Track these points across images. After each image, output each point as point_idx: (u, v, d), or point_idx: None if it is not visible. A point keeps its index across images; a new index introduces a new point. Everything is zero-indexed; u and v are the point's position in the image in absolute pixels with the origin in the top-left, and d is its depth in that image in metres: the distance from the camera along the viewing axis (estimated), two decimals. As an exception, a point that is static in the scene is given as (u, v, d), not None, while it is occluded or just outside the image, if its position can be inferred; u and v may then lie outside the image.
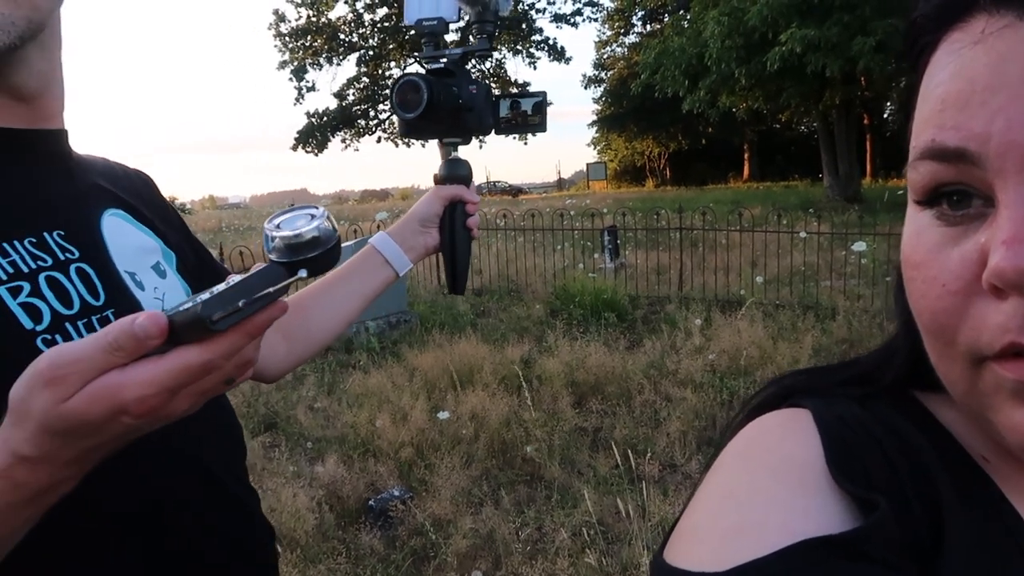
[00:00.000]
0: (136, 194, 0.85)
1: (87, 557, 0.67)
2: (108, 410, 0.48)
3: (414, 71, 1.00)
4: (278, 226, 0.61)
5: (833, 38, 13.69)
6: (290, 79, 34.65)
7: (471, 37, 1.06)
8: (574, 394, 4.47)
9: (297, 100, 35.15)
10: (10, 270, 0.62)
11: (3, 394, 0.54)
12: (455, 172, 1.08)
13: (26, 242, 0.65)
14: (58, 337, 0.63)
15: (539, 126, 1.08)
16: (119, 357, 0.48)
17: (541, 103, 1.08)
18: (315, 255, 0.60)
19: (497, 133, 1.08)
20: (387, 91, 1.08)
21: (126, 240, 0.77)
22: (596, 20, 38.26)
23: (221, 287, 0.49)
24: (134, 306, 0.73)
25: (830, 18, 13.82)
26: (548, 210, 10.02)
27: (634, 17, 36.01)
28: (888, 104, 30.39)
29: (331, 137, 36.14)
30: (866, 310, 6.00)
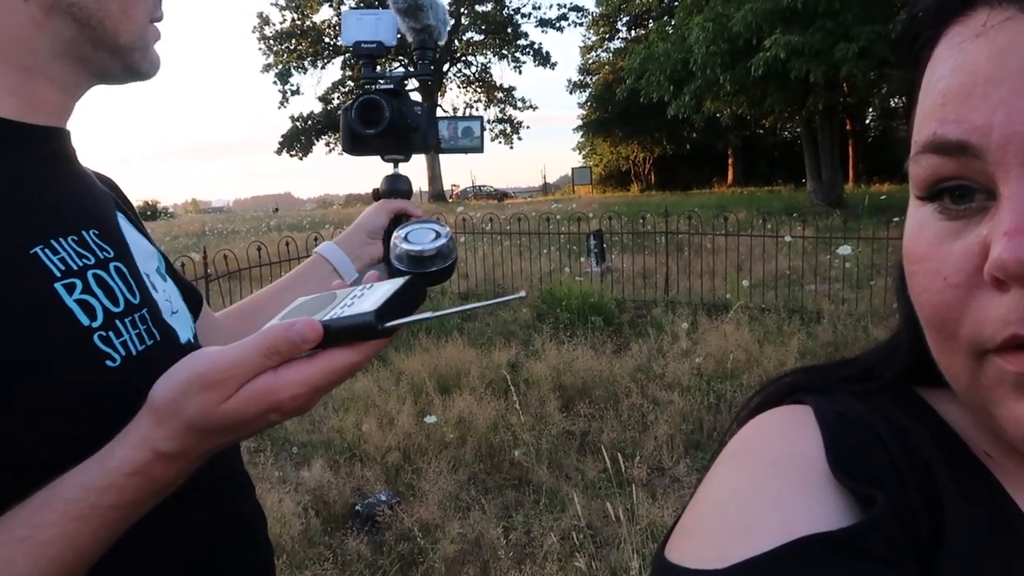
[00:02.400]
0: (119, 199, 0.86)
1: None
2: (263, 409, 0.54)
3: (372, 90, 1.03)
4: (406, 238, 0.67)
5: (816, 44, 13.81)
6: (274, 82, 34.64)
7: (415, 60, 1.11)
8: (561, 398, 4.46)
9: (281, 104, 35.12)
10: (61, 267, 0.62)
11: (62, 389, 0.58)
12: (397, 187, 1.13)
13: (70, 239, 0.65)
14: (111, 334, 0.64)
15: (477, 148, 1.15)
16: (274, 360, 0.54)
17: (479, 126, 1.15)
18: (435, 269, 0.66)
19: (436, 152, 1.14)
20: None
21: (136, 243, 0.78)
22: (581, 25, 38.44)
23: (372, 296, 0.56)
24: (156, 307, 0.74)
25: (813, 24, 13.95)
26: (534, 214, 10.03)
27: (619, 23, 36.16)
28: (870, 110, 30.71)
29: (316, 141, 36.06)
30: (851, 314, 6.04)
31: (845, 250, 6.44)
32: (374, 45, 1.04)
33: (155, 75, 0.75)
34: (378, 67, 1.07)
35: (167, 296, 0.79)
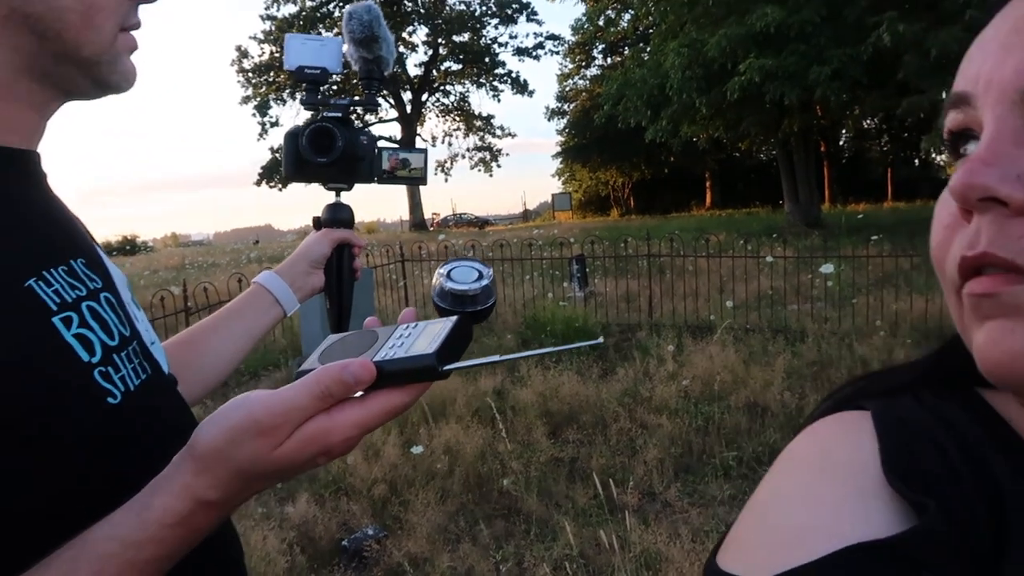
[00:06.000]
0: None
1: None
2: (314, 452, 0.53)
3: (324, 117, 1.03)
4: (449, 275, 0.69)
5: (790, 67, 14.02)
6: (253, 114, 34.60)
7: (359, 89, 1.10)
8: (549, 424, 4.41)
9: (261, 135, 35.09)
10: (57, 300, 0.59)
11: (65, 429, 0.56)
12: (339, 216, 1.11)
13: (60, 270, 0.61)
14: (110, 370, 0.61)
15: (420, 179, 1.15)
16: (326, 403, 0.52)
17: (423, 158, 1.15)
18: (475, 309, 0.68)
19: (379, 182, 1.13)
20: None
21: (114, 271, 0.74)
22: (558, 53, 38.81)
23: (425, 336, 0.56)
24: (140, 337, 0.71)
25: (786, 48, 14.16)
26: (515, 240, 10.03)
27: (595, 50, 36.59)
28: (843, 131, 31.18)
29: (295, 172, 35.96)
30: (834, 332, 6.06)
31: (828, 268, 6.48)
32: (318, 71, 1.03)
33: (130, 88, 0.70)
34: (320, 94, 1.06)
35: (145, 325, 0.75)
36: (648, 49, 20.45)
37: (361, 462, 3.86)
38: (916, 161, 34.36)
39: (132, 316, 0.72)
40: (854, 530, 0.33)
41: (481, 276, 0.68)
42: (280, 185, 35.26)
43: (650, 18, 20.78)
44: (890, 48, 12.63)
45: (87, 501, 0.53)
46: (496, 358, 0.58)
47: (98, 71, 0.66)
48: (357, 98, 1.08)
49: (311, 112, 1.06)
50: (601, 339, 0.67)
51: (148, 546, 0.51)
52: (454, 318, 0.59)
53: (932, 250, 0.39)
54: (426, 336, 0.56)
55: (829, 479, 0.37)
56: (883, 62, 13.75)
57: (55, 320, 0.58)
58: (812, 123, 18.84)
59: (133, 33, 0.69)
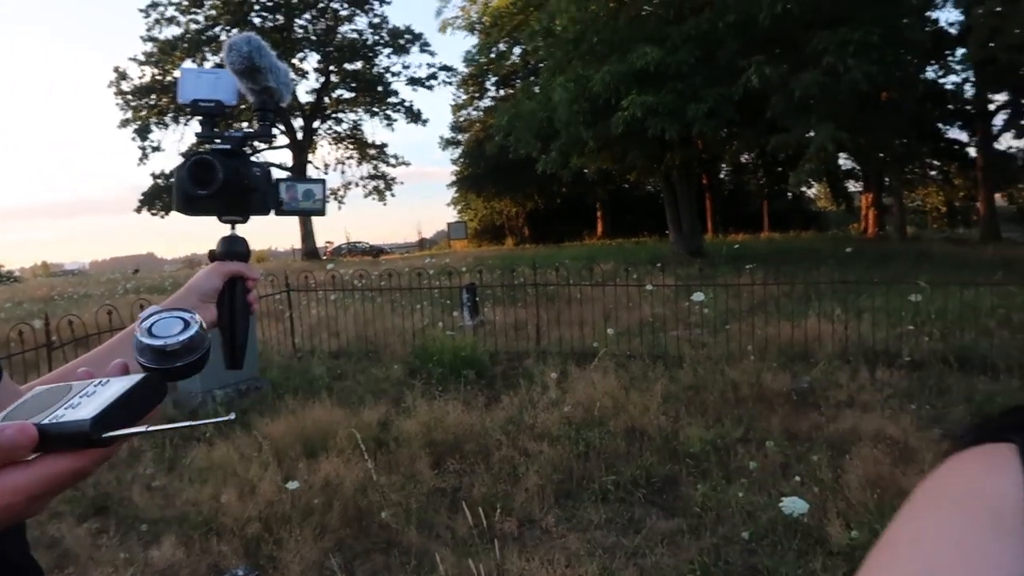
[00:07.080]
0: None
1: None
2: None
3: (206, 150, 1.01)
4: (149, 330, 0.62)
5: (669, 104, 14.72)
6: (133, 139, 33.12)
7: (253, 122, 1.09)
8: (432, 454, 4.39)
9: (141, 160, 33.59)
10: None
11: None
12: (234, 248, 1.10)
13: None
14: None
15: (318, 210, 1.14)
16: None
17: (320, 189, 1.14)
18: (181, 364, 0.61)
19: (277, 214, 1.12)
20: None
21: None
22: (451, 84, 39.06)
23: (99, 396, 0.51)
24: None
25: (666, 86, 14.87)
26: (407, 269, 9.98)
27: (488, 82, 37.18)
28: (723, 165, 32.83)
29: (179, 199, 34.50)
30: (709, 357, 6.33)
31: (699, 296, 6.79)
32: (212, 104, 1.02)
33: None
34: (216, 127, 1.04)
35: None
36: (538, 83, 20.94)
37: (235, 500, 3.73)
38: (789, 195, 36.51)
39: None
40: (993, 569, 0.32)
41: (186, 327, 0.63)
42: (162, 212, 33.80)
43: (540, 53, 21.33)
44: (758, 89, 13.50)
45: None
46: (143, 429, 0.54)
47: None
48: (251, 129, 1.06)
49: (204, 144, 1.04)
50: (233, 415, 0.63)
51: None
52: (136, 378, 0.55)
53: None
54: (99, 397, 0.52)
55: (968, 515, 0.36)
56: (753, 102, 14.64)
57: None
58: (693, 157, 19.76)
59: None
